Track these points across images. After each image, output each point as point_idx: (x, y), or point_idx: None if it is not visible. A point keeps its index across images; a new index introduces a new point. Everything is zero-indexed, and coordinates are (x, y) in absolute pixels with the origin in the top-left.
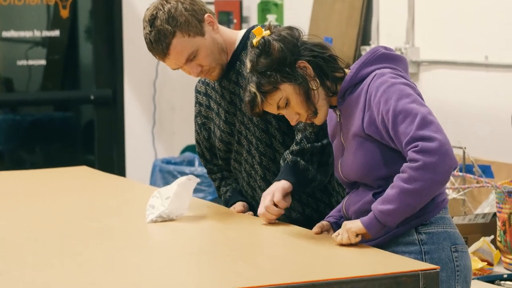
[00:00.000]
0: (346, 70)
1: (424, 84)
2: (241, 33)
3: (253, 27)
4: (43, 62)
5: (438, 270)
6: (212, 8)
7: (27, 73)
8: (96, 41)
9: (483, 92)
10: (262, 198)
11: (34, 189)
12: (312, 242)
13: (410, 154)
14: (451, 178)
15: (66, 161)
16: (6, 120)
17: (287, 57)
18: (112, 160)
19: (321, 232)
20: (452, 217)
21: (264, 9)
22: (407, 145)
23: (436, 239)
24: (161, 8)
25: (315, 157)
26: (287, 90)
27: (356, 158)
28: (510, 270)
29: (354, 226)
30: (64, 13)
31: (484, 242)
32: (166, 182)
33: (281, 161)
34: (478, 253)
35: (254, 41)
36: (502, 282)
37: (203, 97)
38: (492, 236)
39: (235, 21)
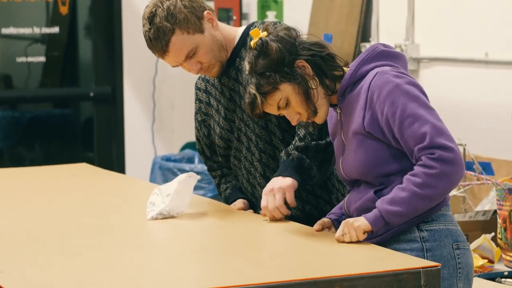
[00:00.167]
0: (345, 68)
1: (424, 81)
2: (240, 30)
3: (253, 23)
4: (42, 59)
5: (439, 267)
6: (211, 5)
7: (26, 70)
8: (96, 38)
9: (483, 89)
10: (269, 192)
11: (34, 186)
12: (313, 239)
13: (425, 160)
14: None
15: (66, 158)
16: (5, 117)
17: (285, 57)
18: (111, 157)
19: (322, 229)
20: (453, 214)
21: (263, 6)
22: (422, 150)
23: (437, 236)
24: (160, 5)
25: (319, 155)
26: (286, 90)
27: (357, 156)
28: (511, 268)
29: (361, 223)
30: (64, 10)
31: (484, 239)
32: (166, 179)
33: (283, 155)
34: (479, 250)
35: (252, 42)
36: (503, 279)
37: (203, 94)
38: (493, 233)
39: (234, 17)
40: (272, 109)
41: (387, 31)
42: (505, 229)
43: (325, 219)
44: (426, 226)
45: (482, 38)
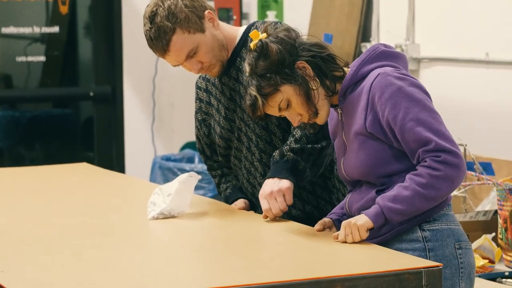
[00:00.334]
0: (346, 69)
1: (425, 81)
2: (241, 30)
3: (253, 23)
4: (42, 58)
5: (441, 267)
6: (212, 4)
7: (26, 69)
8: (96, 37)
9: (484, 89)
10: (269, 196)
11: (34, 186)
12: (314, 239)
13: (430, 162)
14: None
15: (65, 158)
16: (5, 117)
17: (285, 59)
18: (111, 157)
19: (323, 229)
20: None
21: (264, 6)
22: (427, 152)
23: (440, 236)
24: (161, 4)
25: (312, 157)
26: (287, 91)
27: (359, 157)
28: None
29: (364, 222)
30: (64, 9)
31: (485, 239)
32: (166, 179)
33: (276, 155)
34: (480, 250)
35: (252, 44)
36: (503, 279)
37: (204, 93)
38: (493, 234)
39: (234, 17)
40: (273, 111)
41: (388, 31)
42: (506, 229)
43: (326, 219)
44: (428, 226)
45: (482, 38)
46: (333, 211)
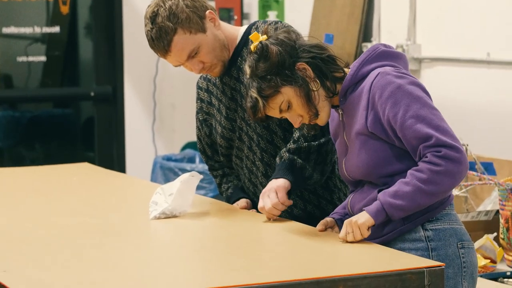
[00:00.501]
0: (346, 70)
1: (426, 81)
2: (242, 29)
3: (254, 23)
4: (43, 58)
5: (443, 267)
6: (212, 4)
7: (27, 69)
8: (96, 37)
9: (485, 89)
10: (262, 195)
11: (35, 186)
12: (315, 239)
13: (431, 157)
14: None
15: (66, 158)
16: (6, 117)
17: (285, 60)
18: (112, 157)
19: (325, 229)
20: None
21: (264, 6)
22: (428, 148)
23: (442, 235)
24: (162, 5)
25: (312, 155)
26: (288, 93)
27: (360, 157)
28: None
29: (365, 220)
30: (64, 9)
31: (487, 239)
32: (167, 179)
33: (277, 159)
34: (481, 250)
35: (252, 46)
36: (505, 279)
37: (205, 93)
38: (495, 234)
39: (235, 17)
40: (274, 112)
41: (389, 31)
42: (508, 229)
43: (328, 219)
44: (431, 225)
45: (483, 38)
46: (335, 210)
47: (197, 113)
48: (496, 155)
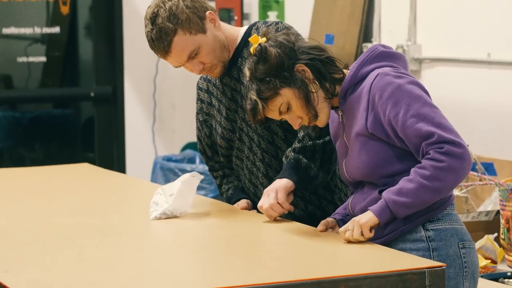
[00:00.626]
0: (345, 71)
1: (426, 81)
2: (242, 30)
3: (255, 23)
4: (43, 59)
5: (444, 267)
6: (212, 5)
7: (27, 69)
8: (96, 38)
9: (486, 89)
10: (264, 194)
11: (35, 186)
12: (316, 240)
13: (434, 154)
14: None
15: (66, 158)
16: (6, 117)
17: (284, 62)
18: (112, 158)
19: (325, 230)
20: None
21: (265, 6)
22: (430, 145)
23: (443, 235)
24: (162, 6)
25: (317, 154)
26: (287, 94)
27: (361, 157)
28: None
29: (367, 219)
30: (64, 10)
31: (487, 240)
32: (167, 180)
33: (283, 159)
34: (482, 250)
35: (251, 49)
36: (506, 280)
37: (205, 94)
38: (496, 234)
39: (236, 18)
40: (273, 114)
41: (389, 31)
42: (508, 230)
43: (329, 219)
44: (432, 225)
45: (484, 38)
46: (336, 211)
47: (197, 113)
48: (496, 155)
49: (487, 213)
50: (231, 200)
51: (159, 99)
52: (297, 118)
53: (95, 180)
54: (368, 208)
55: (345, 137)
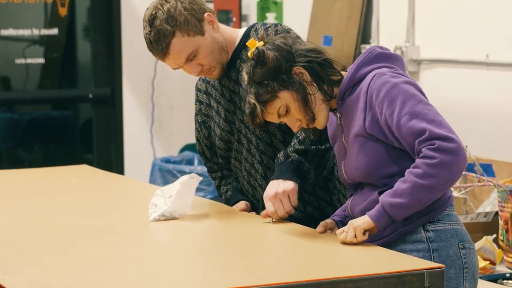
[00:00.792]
0: (343, 73)
1: (425, 82)
2: (241, 31)
3: (253, 25)
4: (41, 60)
5: (443, 268)
6: (211, 6)
7: (25, 71)
8: (95, 39)
9: (484, 90)
10: (274, 199)
11: (35, 188)
12: (315, 241)
13: (426, 151)
14: None
15: (64, 160)
16: (4, 119)
17: (282, 65)
18: (110, 159)
19: (325, 231)
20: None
21: (263, 7)
22: (422, 142)
23: (443, 236)
24: (161, 7)
25: (315, 159)
26: (285, 97)
27: (359, 158)
28: None
29: (361, 222)
30: (63, 11)
31: (486, 241)
32: (166, 181)
33: (280, 156)
34: (481, 252)
35: (249, 53)
36: (504, 281)
37: (204, 95)
38: (494, 235)
39: (234, 19)
40: (272, 118)
41: (388, 32)
42: (507, 231)
43: (328, 221)
44: (432, 226)
45: (482, 39)
46: (336, 213)
47: (196, 115)
48: (495, 156)
49: (486, 214)
50: (230, 202)
51: (158, 101)
52: (296, 120)
53: (94, 181)
54: (366, 213)
55: (344, 138)
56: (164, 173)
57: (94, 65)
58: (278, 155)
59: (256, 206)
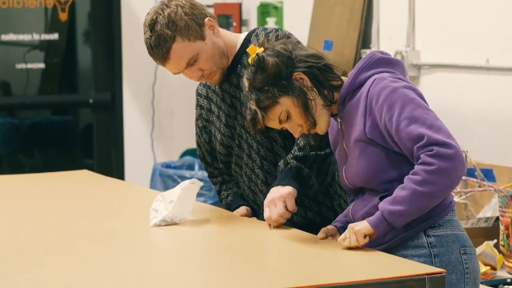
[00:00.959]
0: (343, 78)
1: (425, 87)
2: (242, 36)
3: (254, 30)
4: (41, 65)
5: (445, 274)
6: (211, 11)
7: (26, 76)
8: (95, 44)
9: (484, 95)
10: (270, 203)
11: (35, 193)
12: (316, 246)
13: (424, 158)
14: None
15: (65, 165)
16: (4, 124)
17: (282, 71)
18: (111, 164)
19: (326, 237)
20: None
21: (263, 12)
22: (421, 148)
23: (445, 241)
24: (161, 12)
25: (316, 165)
26: (286, 103)
27: (360, 163)
28: None
29: (362, 227)
30: (63, 16)
31: (487, 246)
32: (166, 186)
33: (281, 164)
34: (481, 257)
35: (249, 59)
36: (506, 286)
37: (204, 100)
38: (495, 240)
39: (234, 24)
40: (274, 124)
41: (388, 37)
42: (508, 236)
43: (329, 227)
44: (433, 231)
45: (483, 44)
46: (337, 219)
47: (197, 119)
48: (495, 161)
49: (487, 219)
50: (231, 207)
51: (158, 106)
52: (297, 126)
53: (94, 186)
54: (366, 219)
55: (345, 144)
56: (164, 178)
57: (95, 70)
58: (279, 163)
59: (257, 211)
